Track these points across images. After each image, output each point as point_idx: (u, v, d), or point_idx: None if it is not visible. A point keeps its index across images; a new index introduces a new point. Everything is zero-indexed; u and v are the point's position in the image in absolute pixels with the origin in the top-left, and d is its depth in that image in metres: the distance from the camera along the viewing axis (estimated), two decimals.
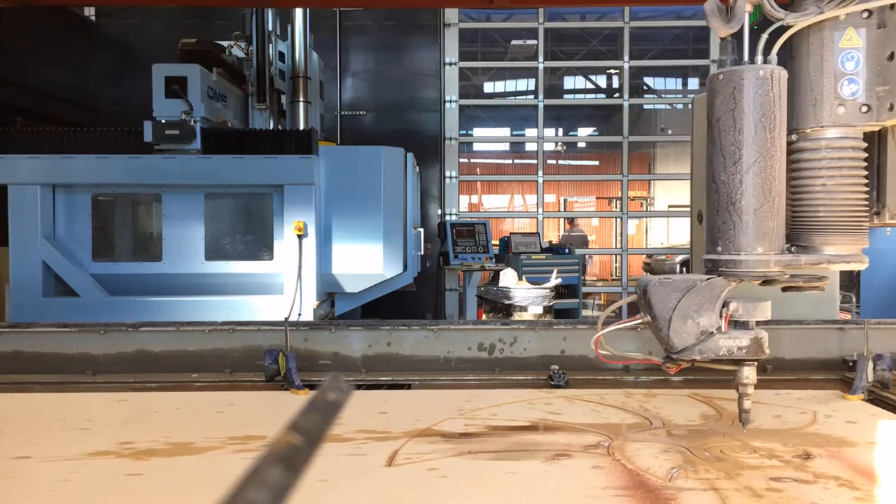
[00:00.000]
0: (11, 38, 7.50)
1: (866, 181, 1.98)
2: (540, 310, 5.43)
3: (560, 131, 17.94)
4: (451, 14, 9.85)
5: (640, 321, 1.91)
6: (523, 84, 15.48)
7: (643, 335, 2.66)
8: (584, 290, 9.92)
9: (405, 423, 2.04)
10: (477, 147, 18.80)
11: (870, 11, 1.90)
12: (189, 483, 1.63)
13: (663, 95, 16.65)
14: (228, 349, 2.75)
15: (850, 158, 1.95)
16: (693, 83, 13.89)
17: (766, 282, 1.89)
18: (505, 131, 18.38)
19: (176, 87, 5.18)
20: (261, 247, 5.43)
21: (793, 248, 1.97)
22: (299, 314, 5.18)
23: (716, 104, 1.86)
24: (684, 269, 11.26)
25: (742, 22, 1.88)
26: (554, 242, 10.28)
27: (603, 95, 16.75)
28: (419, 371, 2.72)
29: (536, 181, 10.40)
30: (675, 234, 17.37)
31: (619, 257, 12.34)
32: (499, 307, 5.60)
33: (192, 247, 5.34)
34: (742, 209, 1.82)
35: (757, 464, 1.69)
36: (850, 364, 2.59)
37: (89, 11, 9.60)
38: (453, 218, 9.81)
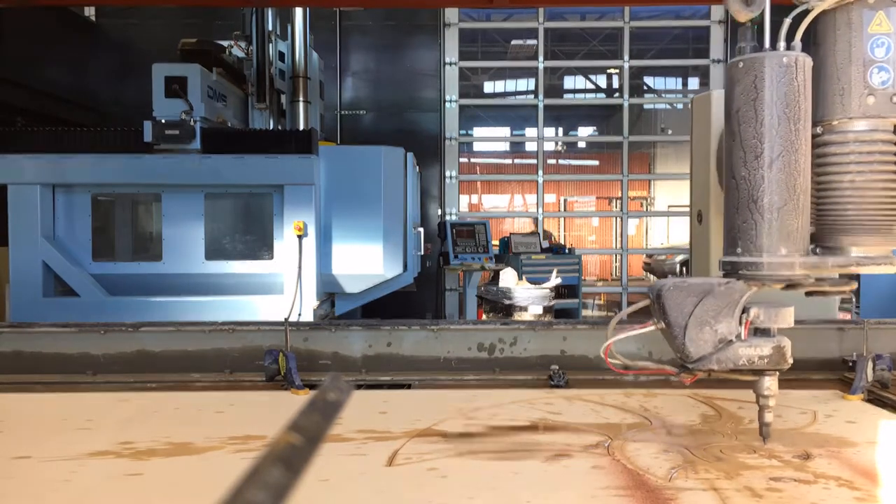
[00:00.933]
0: (11, 38, 7.50)
1: None
2: (540, 310, 5.44)
3: (560, 131, 17.96)
4: (451, 14, 9.85)
5: (652, 328, 1.79)
6: (523, 84, 15.48)
7: (649, 336, 2.65)
8: (584, 290, 9.92)
9: (405, 423, 2.04)
10: (477, 147, 18.80)
11: None
12: (189, 483, 1.63)
13: (663, 95, 16.66)
14: (228, 349, 2.75)
15: (880, 152, 1.80)
16: (693, 83, 13.89)
17: (790, 286, 1.76)
18: (505, 131, 18.38)
19: (176, 87, 5.18)
20: (261, 247, 5.43)
21: (817, 250, 1.85)
22: (299, 314, 5.18)
23: (735, 94, 1.74)
24: (684, 269, 11.27)
25: (763, 6, 1.75)
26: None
27: (603, 95, 16.77)
28: (419, 371, 2.72)
29: (536, 181, 10.41)
30: (675, 234, 17.39)
31: (618, 257, 12.34)
32: (499, 307, 5.61)
33: (192, 247, 5.34)
34: (764, 207, 1.70)
35: (757, 464, 1.69)
36: (850, 364, 2.58)
37: (89, 11, 9.61)
38: (453, 218, 9.81)
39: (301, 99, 6.86)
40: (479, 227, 8.03)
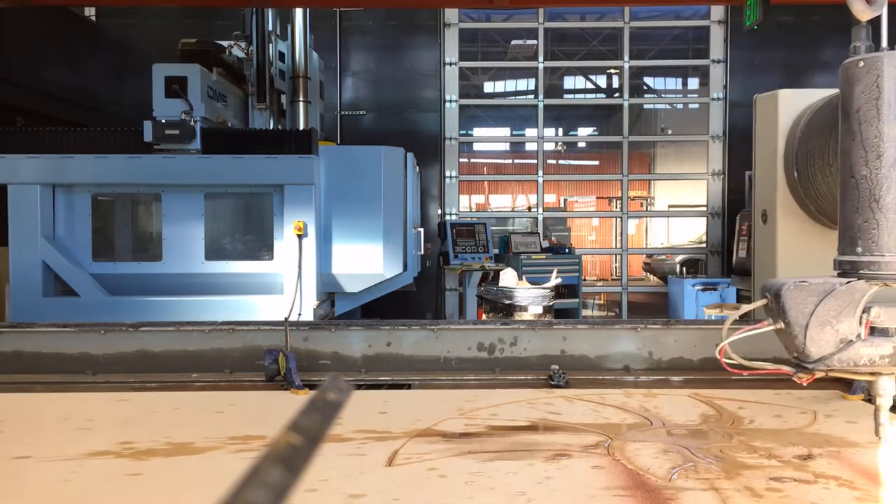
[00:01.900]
0: (11, 38, 7.50)
1: None
2: (540, 310, 5.43)
3: (560, 131, 17.94)
4: (451, 14, 9.85)
5: (769, 328, 1.77)
6: (523, 84, 15.47)
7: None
8: (584, 289, 9.92)
9: (405, 423, 2.04)
10: (477, 147, 18.79)
11: None
12: (189, 483, 1.63)
13: (663, 95, 16.65)
14: (228, 349, 2.75)
15: None
16: (693, 83, 13.87)
17: None
18: (505, 131, 18.36)
19: (176, 87, 5.18)
20: (261, 247, 5.43)
21: None
22: (299, 314, 5.18)
23: (855, 94, 1.73)
24: (684, 268, 11.26)
25: (884, 5, 1.75)
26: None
27: (603, 95, 16.75)
28: (419, 371, 2.72)
29: (536, 181, 10.40)
30: (675, 233, 17.39)
31: (618, 257, 12.34)
32: (499, 307, 5.60)
33: (192, 247, 5.34)
34: (887, 207, 1.68)
35: (757, 464, 1.69)
36: None
37: (89, 11, 9.60)
38: (453, 218, 9.81)
39: (301, 99, 6.86)
40: (479, 227, 8.03)
